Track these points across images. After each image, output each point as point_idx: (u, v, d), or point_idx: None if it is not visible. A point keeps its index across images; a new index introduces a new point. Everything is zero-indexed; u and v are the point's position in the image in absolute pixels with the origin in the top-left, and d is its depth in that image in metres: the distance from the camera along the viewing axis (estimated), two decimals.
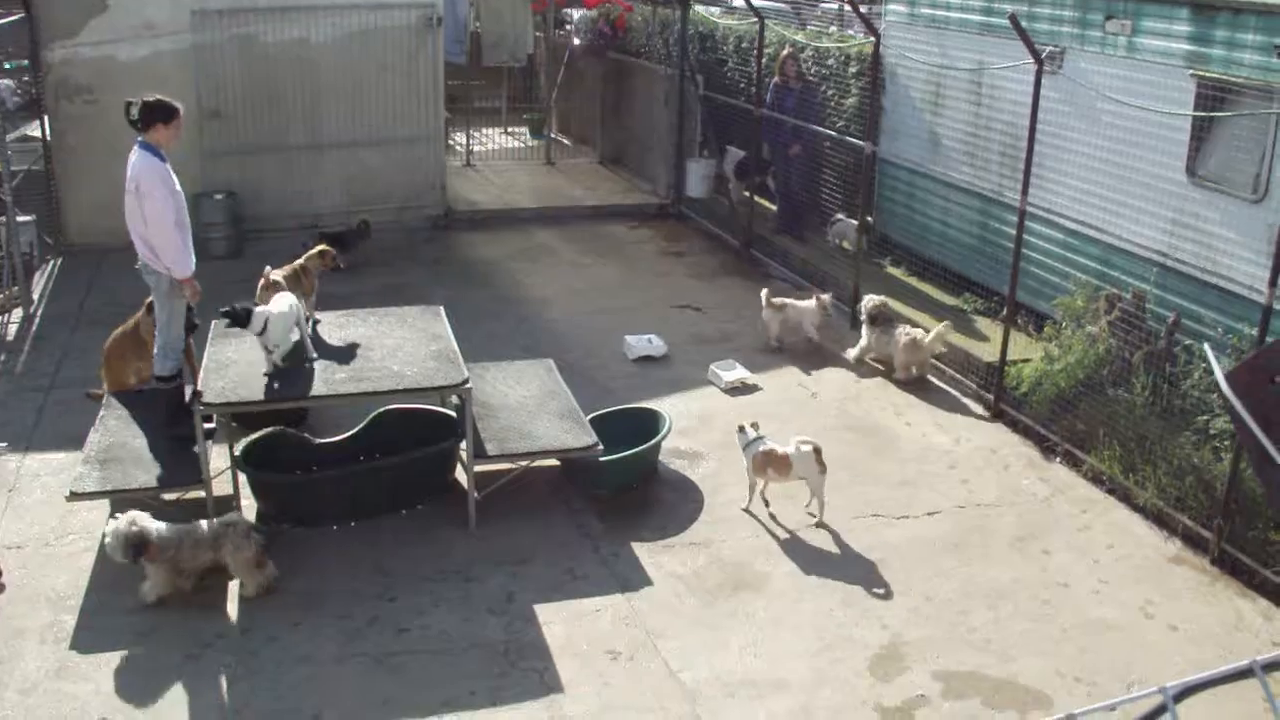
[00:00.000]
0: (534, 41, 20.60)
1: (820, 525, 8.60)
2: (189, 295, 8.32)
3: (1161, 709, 1.50)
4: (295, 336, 8.52)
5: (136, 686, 6.89)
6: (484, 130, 21.03)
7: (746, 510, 8.78)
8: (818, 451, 8.63)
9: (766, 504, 8.85)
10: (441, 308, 9.66)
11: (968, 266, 12.61)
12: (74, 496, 8.01)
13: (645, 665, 7.08)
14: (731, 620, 7.52)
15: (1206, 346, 2.23)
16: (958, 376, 10.94)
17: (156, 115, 8.16)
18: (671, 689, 6.87)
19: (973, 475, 9.39)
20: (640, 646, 7.24)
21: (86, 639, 7.31)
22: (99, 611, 7.57)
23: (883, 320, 11.24)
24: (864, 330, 11.32)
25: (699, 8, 17.55)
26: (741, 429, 8.89)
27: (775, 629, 7.44)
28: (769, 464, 8.67)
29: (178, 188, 8.29)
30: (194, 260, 8.33)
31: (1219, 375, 1.84)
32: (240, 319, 8.19)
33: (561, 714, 6.66)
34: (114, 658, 7.13)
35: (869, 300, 11.40)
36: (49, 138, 15.02)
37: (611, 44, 19.04)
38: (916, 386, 10.95)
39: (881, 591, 7.85)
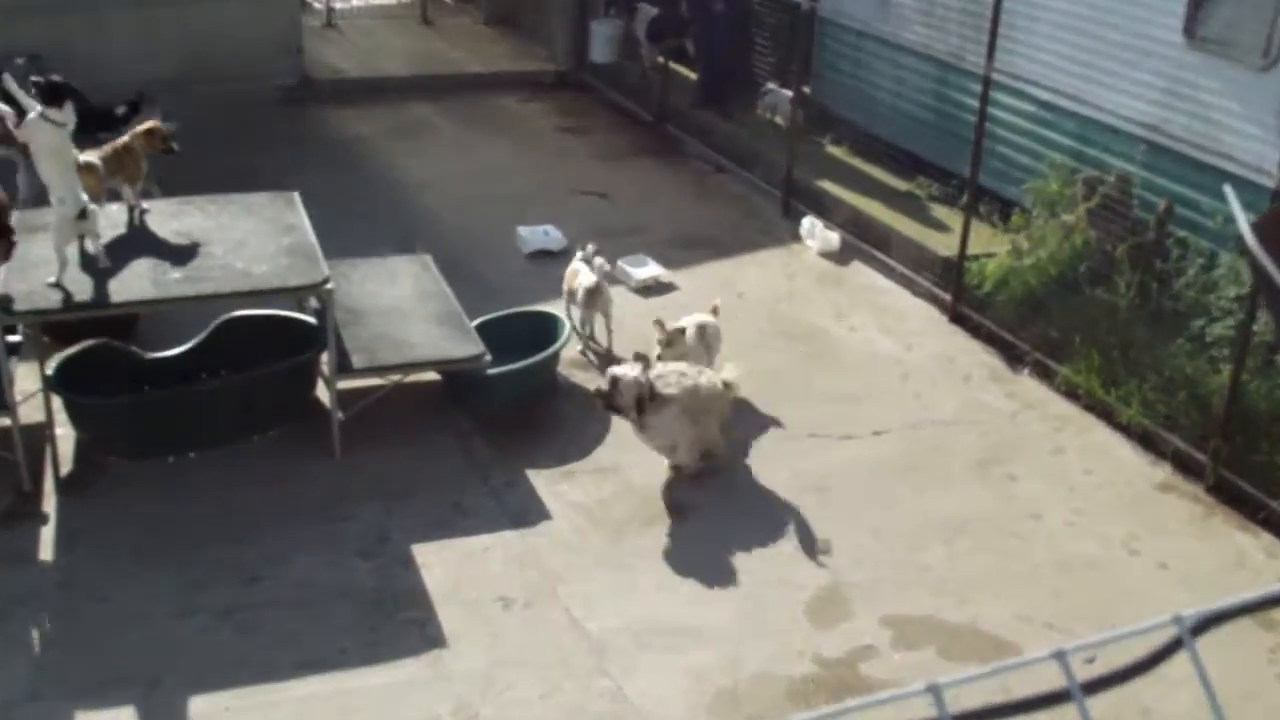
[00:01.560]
0: None
1: (734, 442, 8.67)
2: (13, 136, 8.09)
3: (1176, 643, 1.48)
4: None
5: None
6: None
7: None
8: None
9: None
10: (296, 194, 9.53)
11: (922, 145, 12.65)
12: None
13: (543, 613, 7.14)
14: (643, 559, 7.59)
15: (1228, 188, 2.20)
16: (909, 274, 11.03)
17: None
18: (574, 640, 6.94)
19: (927, 388, 9.51)
20: (537, 592, 7.29)
21: None
22: None
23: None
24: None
25: None
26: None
27: (695, 569, 7.50)
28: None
29: None
30: None
31: (1243, 224, 1.82)
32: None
33: (447, 671, 6.71)
34: None
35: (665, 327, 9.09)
36: None
37: None
38: (863, 286, 11.01)
39: (820, 525, 7.93)
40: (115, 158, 9.13)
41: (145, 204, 9.14)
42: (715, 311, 9.41)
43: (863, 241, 11.64)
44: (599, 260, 9.82)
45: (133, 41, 15.28)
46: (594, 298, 9.74)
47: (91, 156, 8.84)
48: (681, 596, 7.28)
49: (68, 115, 7.96)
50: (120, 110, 12.42)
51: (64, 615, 7.11)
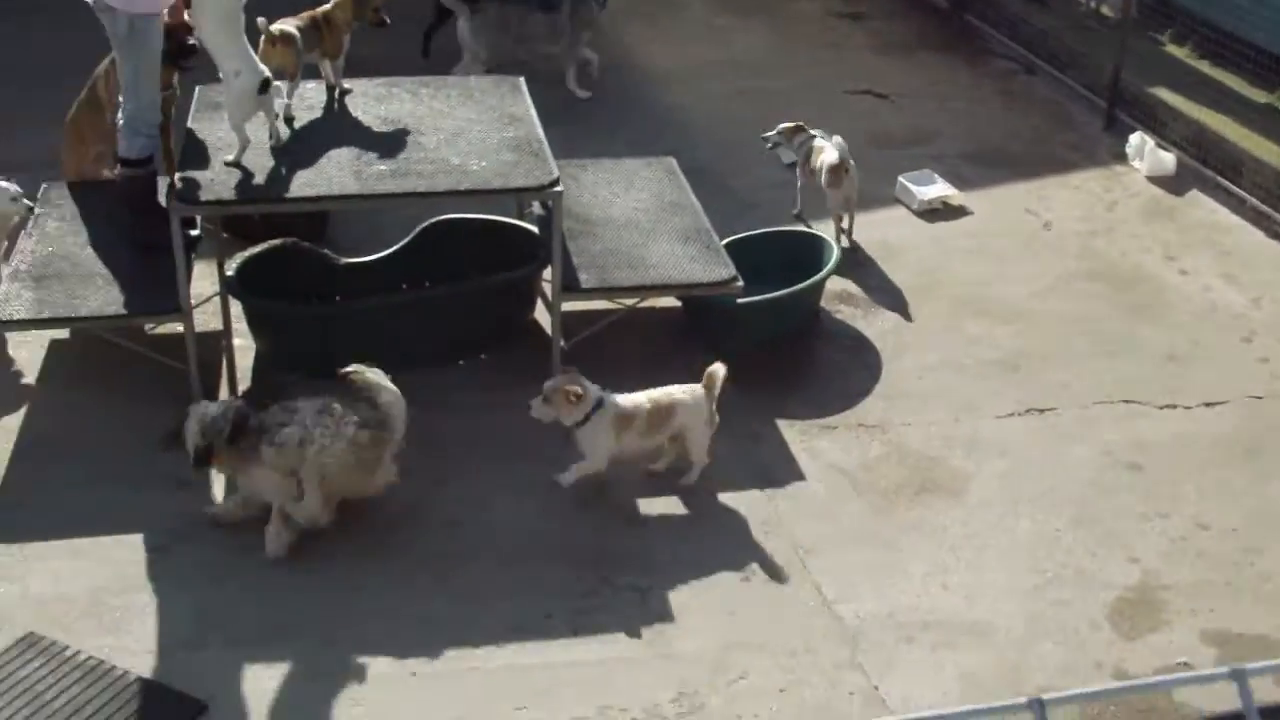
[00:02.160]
0: None
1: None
2: (170, 17, 8.32)
3: None
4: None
5: (82, 588, 7.10)
6: None
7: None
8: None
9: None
10: (521, 79, 9.66)
11: None
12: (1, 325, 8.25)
13: (789, 591, 7.20)
14: (913, 536, 7.61)
15: None
16: (1264, 209, 10.80)
17: None
18: (823, 626, 6.97)
19: (1277, 352, 9.36)
20: (784, 565, 7.36)
21: (9, 520, 7.55)
22: (31, 484, 7.84)
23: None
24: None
25: None
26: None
27: (976, 553, 7.52)
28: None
29: None
30: None
31: None
32: None
33: (670, 650, 6.80)
34: (44, 548, 7.36)
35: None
36: None
37: None
38: (1202, 222, 10.86)
39: (1132, 511, 7.88)
40: (314, 28, 9.35)
41: (346, 83, 9.34)
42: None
43: (1205, 166, 11.44)
44: (838, 139, 10.14)
45: None
46: (839, 177, 9.89)
47: (288, 25, 9.06)
48: (956, 585, 7.27)
49: None
50: None
51: (233, 552, 7.35)
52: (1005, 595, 7.24)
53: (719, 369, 7.75)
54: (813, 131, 10.49)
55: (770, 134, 10.62)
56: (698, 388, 7.77)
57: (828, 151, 10.10)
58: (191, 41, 8.68)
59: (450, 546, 7.43)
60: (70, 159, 9.57)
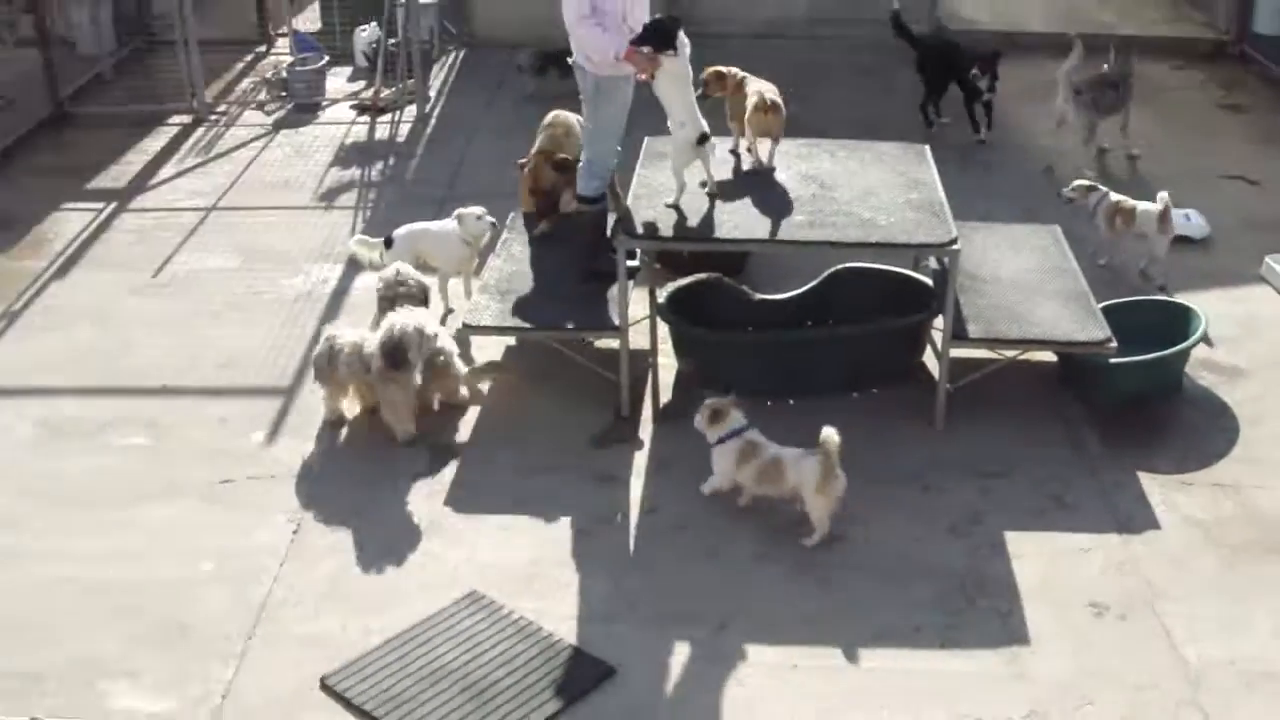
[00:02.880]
0: None
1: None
2: (638, 70, 8.25)
3: None
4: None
5: (516, 560, 7.26)
6: None
7: None
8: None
9: None
10: (926, 148, 9.49)
11: None
12: (467, 329, 8.51)
13: (1139, 628, 6.81)
14: (1260, 591, 7.09)
15: None
16: None
17: None
18: (1169, 664, 6.57)
19: None
20: (1135, 604, 6.97)
21: (462, 497, 7.79)
22: (481, 467, 8.04)
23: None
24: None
25: None
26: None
27: None
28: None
29: None
30: (625, 41, 8.22)
31: None
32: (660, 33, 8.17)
33: (1025, 670, 6.52)
34: (490, 521, 7.57)
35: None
36: None
37: None
38: None
39: None
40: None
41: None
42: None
43: None
44: (1162, 194, 9.95)
45: None
46: (1166, 224, 9.85)
47: (777, 97, 9.08)
48: None
49: (685, 45, 8.19)
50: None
51: (644, 540, 7.42)
52: None
53: (831, 436, 7.26)
54: (1103, 189, 10.17)
55: (1067, 190, 10.29)
56: (813, 454, 7.31)
57: (1149, 205, 9.97)
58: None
59: (833, 558, 7.27)
60: (526, 194, 9.68)
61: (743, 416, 7.58)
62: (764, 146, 9.06)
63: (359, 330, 8.24)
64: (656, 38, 8.10)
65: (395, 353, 7.86)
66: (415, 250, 9.48)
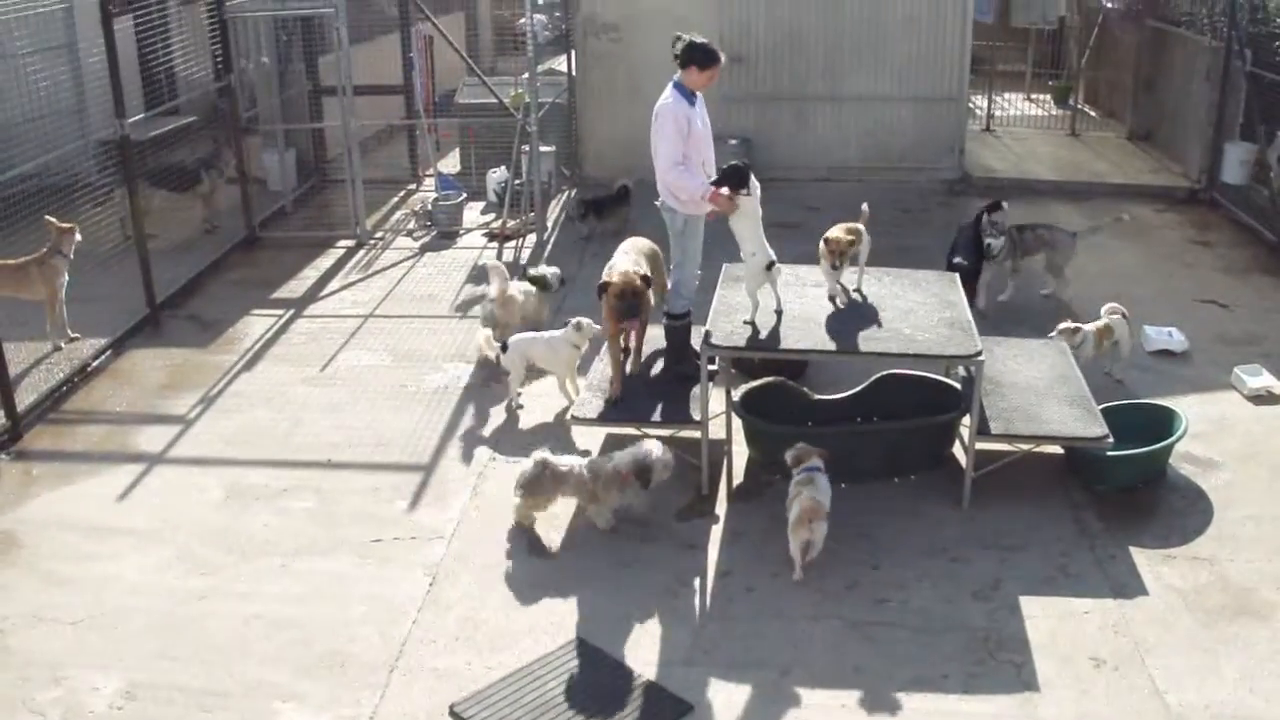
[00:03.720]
0: (1065, 3, 19.74)
1: None
2: (720, 208, 8.27)
3: None
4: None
5: (612, 612, 7.22)
6: (1006, 95, 20.40)
7: None
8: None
9: None
10: (956, 276, 9.45)
11: None
12: (574, 420, 8.59)
13: (1129, 679, 6.68)
14: (1229, 647, 6.95)
15: None
16: None
17: (693, 57, 8.34)
18: (1154, 709, 6.44)
19: None
20: (1126, 658, 6.84)
21: (570, 559, 7.77)
22: (585, 535, 8.02)
23: None
24: None
25: None
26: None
27: (1278, 667, 6.81)
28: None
29: (701, 129, 8.47)
30: (707, 184, 8.30)
31: None
32: (736, 176, 8.19)
33: (1035, 713, 6.40)
34: (593, 581, 7.52)
35: None
36: (574, 72, 15.84)
37: (1150, 10, 17.93)
38: None
39: None
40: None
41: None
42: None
43: None
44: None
45: (826, 130, 15.76)
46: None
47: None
48: (1261, 690, 6.59)
49: (755, 186, 8.23)
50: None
51: (720, 598, 7.35)
52: None
53: (806, 504, 7.44)
54: (1081, 325, 9.90)
55: (1053, 334, 9.83)
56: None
57: (1115, 317, 10.06)
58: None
59: (877, 617, 7.20)
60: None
61: (819, 460, 7.74)
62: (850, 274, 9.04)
63: (567, 458, 8.08)
64: (734, 180, 8.18)
65: (645, 473, 7.83)
66: (526, 354, 9.56)
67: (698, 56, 8.33)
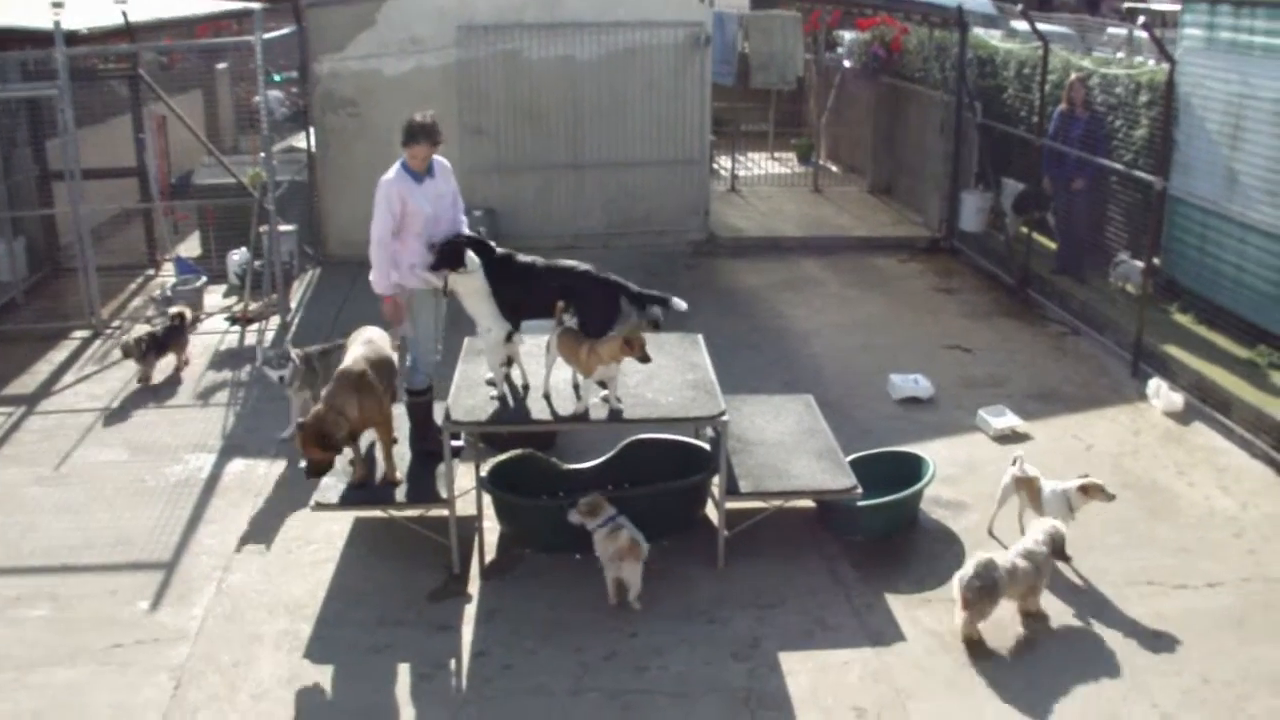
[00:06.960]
0: (804, 64, 20.40)
1: (1084, 588, 8.11)
2: (387, 316, 8.37)
3: None
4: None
5: (366, 701, 7.01)
6: (749, 154, 20.92)
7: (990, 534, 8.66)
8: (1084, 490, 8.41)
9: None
10: (700, 336, 9.52)
11: (1265, 316, 11.79)
12: (318, 507, 8.26)
13: None
14: (988, 687, 7.11)
15: None
16: (1248, 436, 10.19)
17: (404, 134, 8.29)
18: None
19: (1261, 545, 8.68)
20: (888, 706, 6.93)
21: (320, 649, 7.50)
22: (335, 623, 7.76)
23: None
24: None
25: (979, 31, 16.98)
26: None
27: (1034, 699, 6.98)
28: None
29: (425, 207, 8.30)
30: (392, 281, 8.32)
31: None
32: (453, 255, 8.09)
33: None
34: (346, 670, 7.28)
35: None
36: (313, 149, 15.59)
37: (885, 68, 18.67)
38: (1203, 446, 10.24)
39: (1153, 667, 7.29)
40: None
41: None
42: (1086, 490, 8.42)
43: (1204, 404, 10.84)
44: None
45: (570, 198, 15.83)
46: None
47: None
48: None
49: (474, 263, 8.10)
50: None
51: (477, 679, 7.19)
52: None
53: (623, 543, 7.74)
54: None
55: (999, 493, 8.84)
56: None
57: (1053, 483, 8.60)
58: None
59: (638, 684, 7.13)
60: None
61: (610, 507, 7.93)
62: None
63: (1000, 554, 7.67)
64: (449, 259, 8.08)
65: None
66: None
67: (403, 134, 8.28)
